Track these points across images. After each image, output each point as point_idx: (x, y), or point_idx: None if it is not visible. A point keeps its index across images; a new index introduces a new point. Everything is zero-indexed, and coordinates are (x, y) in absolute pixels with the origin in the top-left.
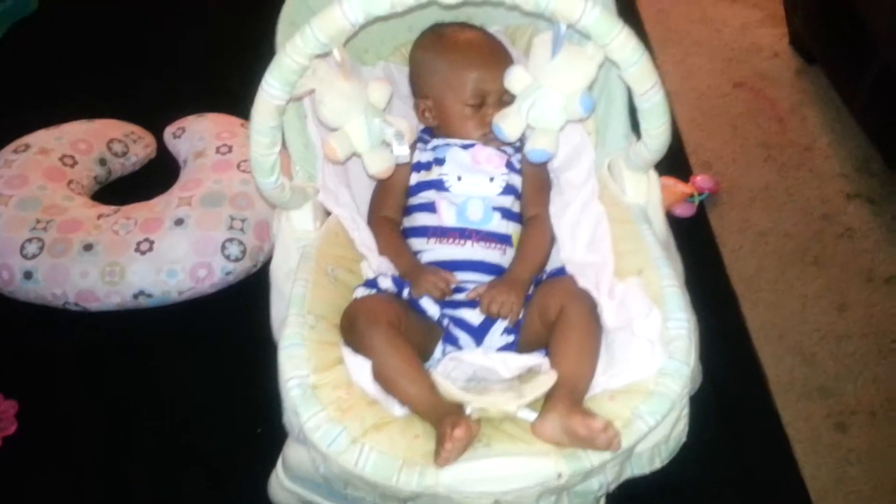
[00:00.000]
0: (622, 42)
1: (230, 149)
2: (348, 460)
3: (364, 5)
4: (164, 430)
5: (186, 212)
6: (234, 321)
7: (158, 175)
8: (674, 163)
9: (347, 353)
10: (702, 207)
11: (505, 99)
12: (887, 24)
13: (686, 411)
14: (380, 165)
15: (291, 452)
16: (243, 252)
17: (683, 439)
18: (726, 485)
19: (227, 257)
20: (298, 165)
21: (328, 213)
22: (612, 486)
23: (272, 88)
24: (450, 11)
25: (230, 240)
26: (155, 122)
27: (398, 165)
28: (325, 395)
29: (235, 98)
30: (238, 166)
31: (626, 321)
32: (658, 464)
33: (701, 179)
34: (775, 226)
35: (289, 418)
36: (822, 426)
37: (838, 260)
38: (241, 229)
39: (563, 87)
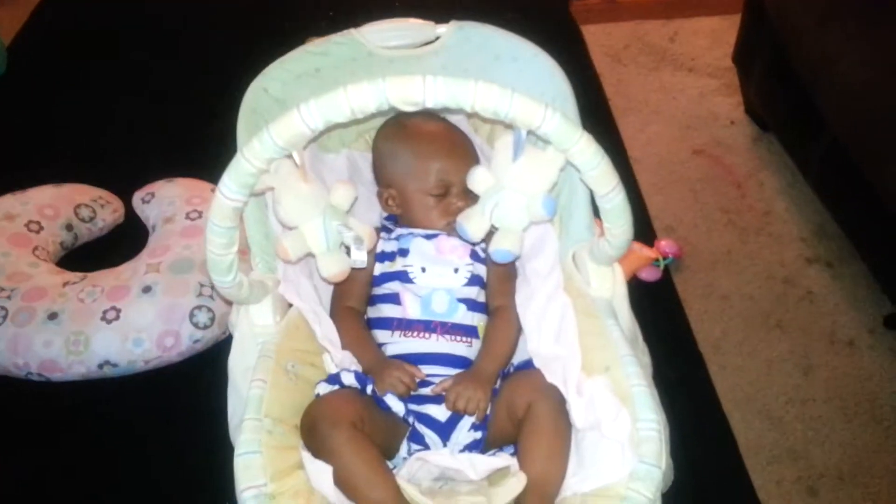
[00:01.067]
0: (582, 148)
1: (200, 214)
2: None
3: (323, 112)
4: (128, 500)
5: (154, 279)
6: (201, 390)
7: (126, 241)
8: (638, 227)
9: (307, 458)
10: (667, 271)
11: (469, 190)
12: (834, 101)
13: None
14: (334, 268)
15: None
16: (212, 319)
17: None
18: None
19: (196, 325)
20: (258, 257)
21: (290, 305)
22: None
23: (229, 191)
24: None
25: (199, 307)
26: (124, 187)
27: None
28: None
29: (207, 163)
30: None
31: (595, 421)
32: None
33: (665, 244)
34: (738, 289)
35: None
36: (793, 490)
37: (801, 323)
38: (211, 296)
39: (525, 189)
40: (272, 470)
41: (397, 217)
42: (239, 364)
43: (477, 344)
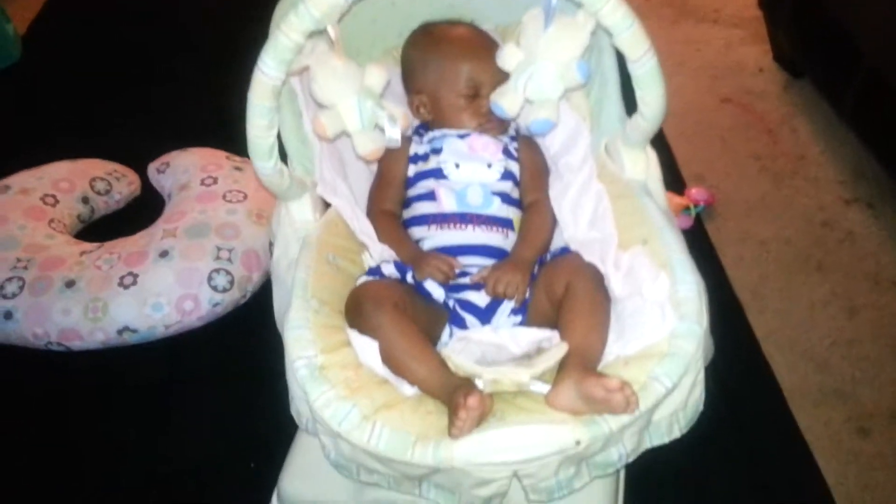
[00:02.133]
0: (613, 7)
1: (215, 180)
2: (361, 437)
3: None
4: (153, 468)
5: (171, 243)
6: (223, 354)
7: (143, 212)
8: (667, 176)
9: (354, 335)
10: (699, 219)
11: None
12: (871, 28)
13: (701, 376)
14: (370, 146)
15: (286, 484)
16: (231, 282)
17: (701, 407)
18: (750, 497)
19: (215, 288)
20: (296, 161)
21: (327, 206)
22: (632, 457)
23: (268, 68)
24: (439, 12)
25: (217, 270)
26: (139, 161)
27: (395, 156)
28: (334, 375)
29: (219, 133)
30: (224, 196)
31: (635, 288)
32: (677, 432)
33: (696, 192)
34: (776, 234)
35: (297, 406)
36: (842, 431)
37: (843, 265)
38: (229, 259)
39: (557, 57)
40: (321, 344)
41: (429, 124)
42: (282, 260)
43: (513, 236)
